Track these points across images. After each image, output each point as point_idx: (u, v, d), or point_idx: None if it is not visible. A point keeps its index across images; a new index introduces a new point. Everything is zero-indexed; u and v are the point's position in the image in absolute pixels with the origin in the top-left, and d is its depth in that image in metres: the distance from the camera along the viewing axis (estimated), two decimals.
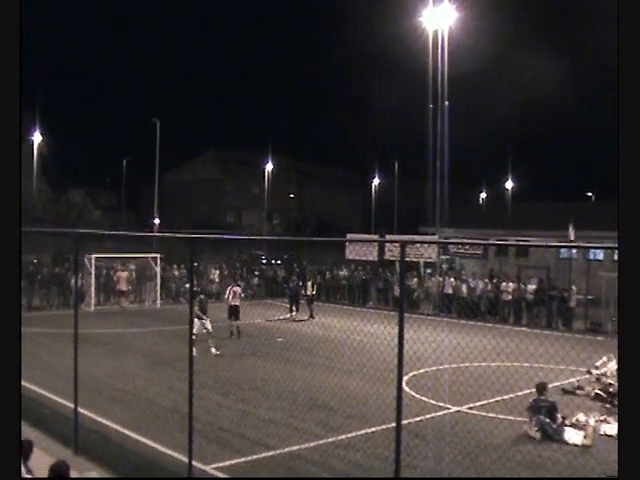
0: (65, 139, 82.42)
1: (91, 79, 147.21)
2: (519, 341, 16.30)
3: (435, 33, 36.06)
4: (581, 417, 13.42)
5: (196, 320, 19.42)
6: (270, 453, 11.89)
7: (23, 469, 8.15)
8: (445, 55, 35.44)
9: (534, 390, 14.05)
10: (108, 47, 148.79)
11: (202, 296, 22.35)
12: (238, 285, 26.33)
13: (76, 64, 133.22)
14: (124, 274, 33.42)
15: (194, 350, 18.43)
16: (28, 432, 11.34)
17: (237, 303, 24.89)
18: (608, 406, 15.10)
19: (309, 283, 31.78)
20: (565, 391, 16.36)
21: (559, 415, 13.31)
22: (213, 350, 20.64)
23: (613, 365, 16.39)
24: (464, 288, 33.19)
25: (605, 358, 17.10)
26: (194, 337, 18.81)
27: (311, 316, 30.00)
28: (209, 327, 21.07)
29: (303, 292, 31.80)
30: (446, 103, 35.17)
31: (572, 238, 30.76)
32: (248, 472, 11.01)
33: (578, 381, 17.03)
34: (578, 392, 16.22)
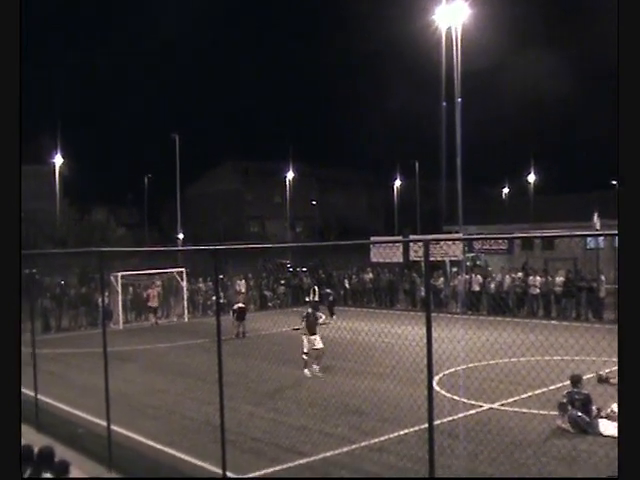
0: (86, 159, 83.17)
1: (110, 96, 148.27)
2: (548, 334, 16.18)
3: (449, 30, 35.98)
4: (615, 408, 13.26)
5: (306, 337, 19.25)
6: (304, 460, 11.88)
7: None
8: (459, 52, 35.34)
9: (566, 383, 13.93)
10: (125, 64, 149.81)
11: (310, 310, 20.13)
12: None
13: (95, 82, 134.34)
14: (154, 291, 33.59)
15: (306, 371, 18.81)
16: (62, 452, 11.40)
17: (242, 305, 27.15)
18: None
19: (311, 290, 31.99)
20: (600, 380, 16.19)
21: (594, 407, 13.18)
22: (315, 368, 19.25)
23: None
24: (491, 284, 33.00)
25: None
26: (304, 357, 19.04)
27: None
28: (319, 345, 19.34)
29: (307, 299, 31.95)
30: (459, 100, 35.01)
31: (598, 227, 30.49)
32: None
33: (611, 371, 16.85)
34: (612, 381, 16.06)
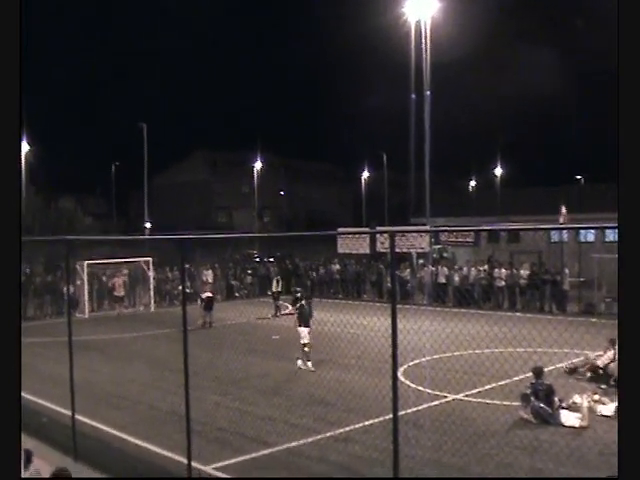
0: (52, 146, 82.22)
1: (76, 84, 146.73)
2: (513, 326, 16.33)
3: (418, 23, 36.07)
4: (576, 399, 13.48)
5: (304, 329, 18.79)
6: (269, 450, 11.94)
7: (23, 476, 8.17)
8: (428, 45, 35.46)
9: (529, 375, 14.12)
10: (92, 51, 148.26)
11: (303, 302, 19.72)
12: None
13: (61, 69, 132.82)
14: (120, 280, 33.35)
15: (298, 362, 18.37)
16: (27, 441, 11.35)
17: (210, 294, 27.36)
18: (603, 387, 15.19)
19: (274, 280, 31.84)
20: (569, 372, 16.44)
21: (556, 398, 13.38)
22: (299, 363, 18.72)
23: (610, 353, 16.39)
24: (457, 276, 33.28)
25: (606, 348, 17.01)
26: (306, 349, 18.53)
27: (275, 314, 29.97)
28: (305, 339, 18.82)
29: (271, 289, 31.93)
30: (428, 93, 35.16)
31: (562, 221, 30.80)
32: (248, 470, 11.06)
33: (572, 363, 17.12)
34: (580, 370, 16.34)
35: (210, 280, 37.76)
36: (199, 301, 27.11)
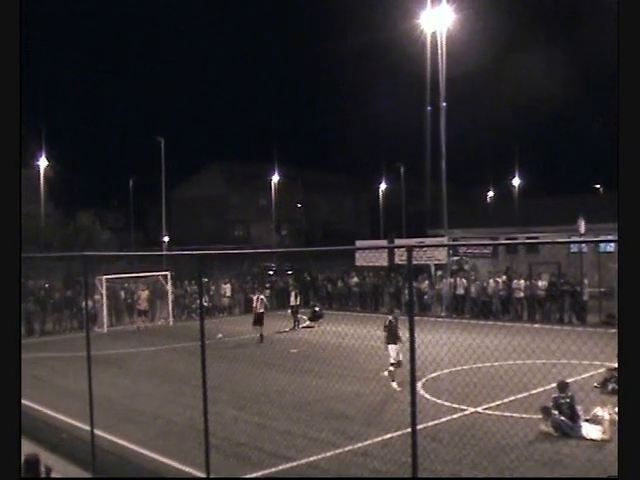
0: (71, 162, 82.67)
1: (93, 100, 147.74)
2: (532, 338, 16.25)
3: (434, 35, 36.09)
4: (598, 411, 13.33)
5: (393, 347, 17.65)
6: (288, 465, 11.88)
7: None
8: (444, 56, 35.45)
9: (549, 387, 14.01)
10: (109, 68, 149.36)
11: (391, 318, 18.19)
12: (263, 294, 28.88)
13: (78, 86, 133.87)
14: (144, 293, 33.43)
15: (394, 384, 17.34)
16: (46, 457, 11.36)
17: (262, 311, 27.04)
18: None
19: (293, 294, 31.78)
20: (601, 385, 16.21)
21: (578, 411, 13.25)
22: (394, 385, 17.31)
23: None
24: (475, 288, 33.12)
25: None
26: (391, 368, 17.52)
27: (294, 328, 30.02)
28: (396, 357, 17.60)
29: (289, 303, 31.91)
30: (444, 104, 35.12)
31: (582, 232, 30.65)
32: None
33: (592, 376, 16.95)
34: (595, 385, 16.17)
35: (228, 294, 37.89)
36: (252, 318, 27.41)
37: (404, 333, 18.82)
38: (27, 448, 11.70)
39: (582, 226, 30.70)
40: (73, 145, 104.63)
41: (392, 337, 17.68)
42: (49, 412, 16.29)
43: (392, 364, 17.51)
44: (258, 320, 26.81)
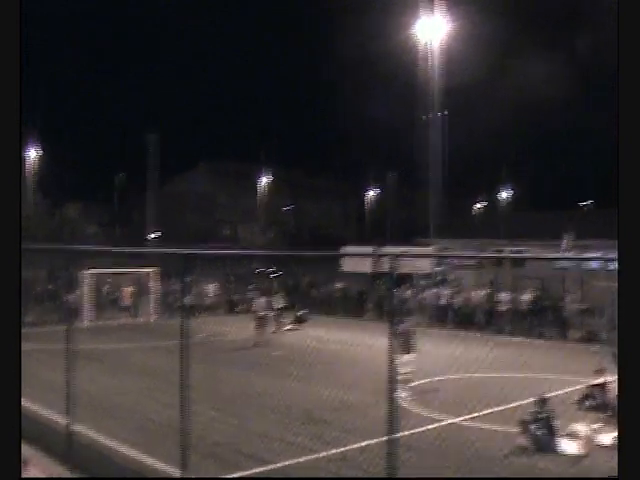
0: (60, 154, 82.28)
1: (84, 93, 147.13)
2: (513, 351, 16.31)
3: (426, 44, 36.26)
4: (576, 427, 13.42)
5: (407, 357, 16.58)
6: (264, 468, 11.89)
7: None
8: (436, 66, 35.62)
9: (529, 400, 14.05)
10: (100, 61, 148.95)
11: (403, 325, 16.74)
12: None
13: (69, 78, 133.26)
14: (128, 289, 33.40)
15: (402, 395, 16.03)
16: (24, 449, 11.31)
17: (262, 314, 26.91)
18: (602, 416, 15.10)
19: (277, 296, 31.85)
20: (580, 401, 16.21)
21: (555, 426, 13.31)
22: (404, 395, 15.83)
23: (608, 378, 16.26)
24: (458, 299, 33.20)
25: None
26: (402, 376, 15.62)
27: (277, 330, 29.90)
28: (410, 367, 16.71)
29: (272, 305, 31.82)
30: (439, 114, 35.30)
31: (564, 248, 30.82)
32: None
33: (572, 392, 17.01)
34: (574, 401, 16.22)
35: (211, 294, 37.88)
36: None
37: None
38: None
39: (565, 243, 30.92)
40: (63, 137, 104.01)
41: (406, 346, 16.58)
42: (28, 404, 16.20)
43: (404, 373, 16.12)
44: (261, 324, 26.67)
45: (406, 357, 16.48)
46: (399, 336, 16.08)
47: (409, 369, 16.55)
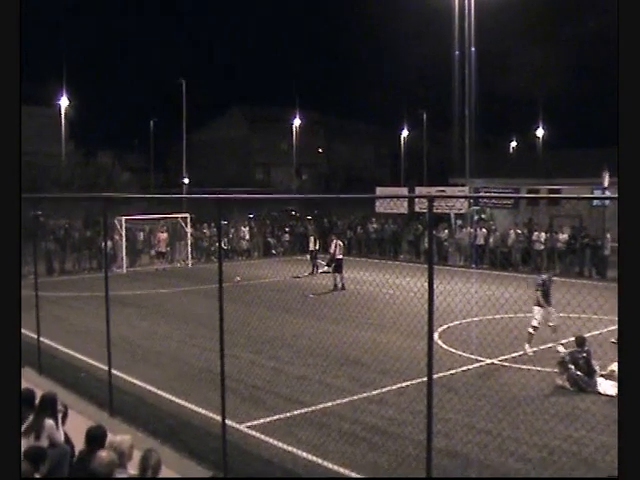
0: (92, 102, 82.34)
1: (116, 40, 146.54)
2: (552, 291, 16.07)
3: None
4: (614, 367, 13.26)
5: (538, 309, 15.94)
6: (303, 410, 11.94)
7: (60, 432, 8.23)
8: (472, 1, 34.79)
9: (565, 341, 13.93)
10: (132, 9, 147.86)
11: (544, 276, 16.54)
12: (340, 239, 28.12)
13: (102, 26, 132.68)
14: (164, 235, 33.52)
15: (527, 346, 15.60)
16: (64, 395, 11.47)
17: (341, 256, 26.13)
18: None
19: (312, 239, 31.67)
20: (612, 342, 15.96)
21: (595, 366, 13.18)
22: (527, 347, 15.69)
23: None
24: (495, 239, 32.86)
25: None
26: (531, 330, 15.70)
27: (312, 273, 30.00)
28: (554, 320, 15.97)
29: (308, 248, 31.81)
30: (473, 49, 34.57)
31: (606, 185, 30.20)
32: (281, 429, 11.06)
33: (610, 332, 16.79)
34: (613, 341, 16.02)
35: (247, 236, 37.97)
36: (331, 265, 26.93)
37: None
38: (46, 386, 11.85)
39: (606, 179, 30.23)
40: (95, 85, 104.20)
41: (543, 299, 15.93)
42: (68, 351, 16.43)
43: (533, 327, 15.80)
44: (338, 267, 25.97)
45: (538, 310, 15.91)
46: (539, 287, 15.93)
47: (553, 323, 15.95)
